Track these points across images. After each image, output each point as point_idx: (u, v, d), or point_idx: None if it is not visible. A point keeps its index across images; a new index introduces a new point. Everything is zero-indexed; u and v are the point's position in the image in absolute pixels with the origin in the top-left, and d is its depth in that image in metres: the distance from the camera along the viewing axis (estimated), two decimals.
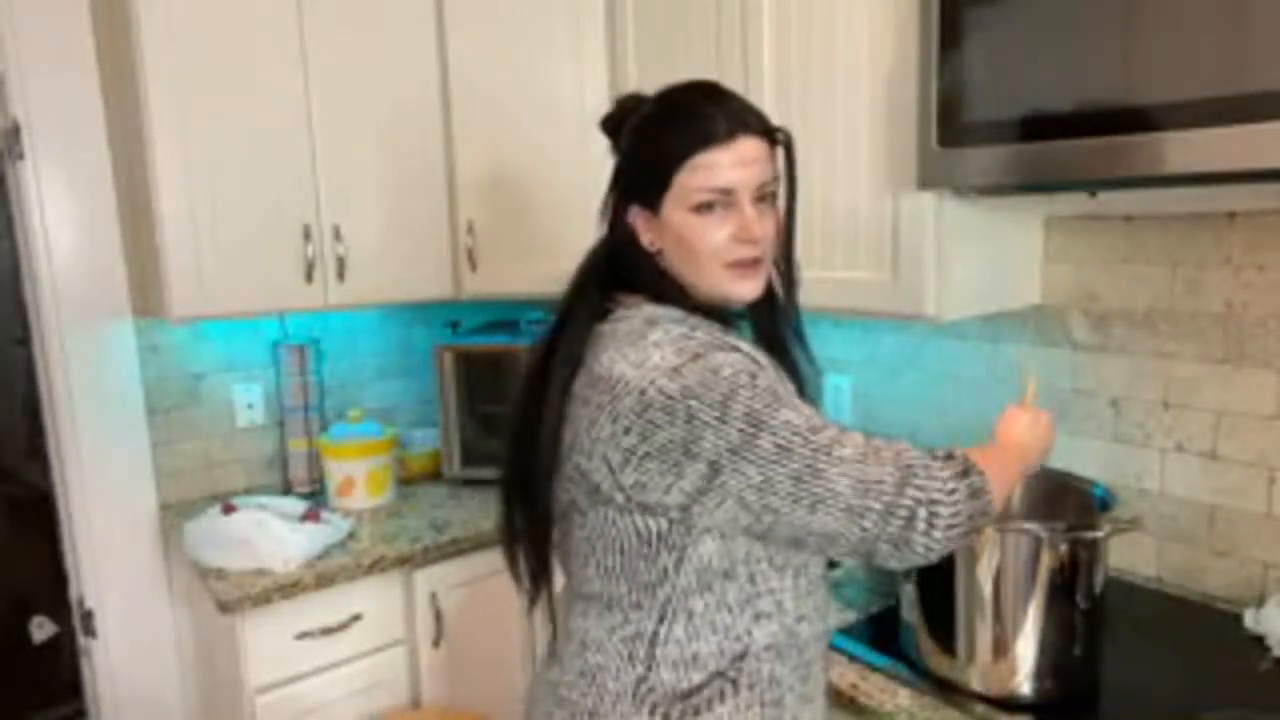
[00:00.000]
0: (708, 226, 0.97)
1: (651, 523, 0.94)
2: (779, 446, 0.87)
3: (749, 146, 0.97)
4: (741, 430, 0.87)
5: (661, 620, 0.96)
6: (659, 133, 0.99)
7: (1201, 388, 1.41)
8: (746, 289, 1.00)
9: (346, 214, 1.96)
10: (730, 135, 0.96)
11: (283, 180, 1.87)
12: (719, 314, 1.02)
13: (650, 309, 1.00)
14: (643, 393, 0.90)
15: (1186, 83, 1.00)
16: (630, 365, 0.92)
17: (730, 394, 0.88)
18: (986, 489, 0.91)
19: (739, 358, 0.92)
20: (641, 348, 0.94)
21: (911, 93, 1.32)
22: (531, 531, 1.06)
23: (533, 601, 1.09)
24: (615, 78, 1.94)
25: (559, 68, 1.99)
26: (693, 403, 0.88)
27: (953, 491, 0.88)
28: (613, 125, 1.05)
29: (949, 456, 0.92)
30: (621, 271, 1.03)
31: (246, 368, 2.19)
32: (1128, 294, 1.48)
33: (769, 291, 1.07)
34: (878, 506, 0.86)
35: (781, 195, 1.04)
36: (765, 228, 0.99)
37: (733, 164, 0.96)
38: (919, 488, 0.87)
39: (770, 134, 1.01)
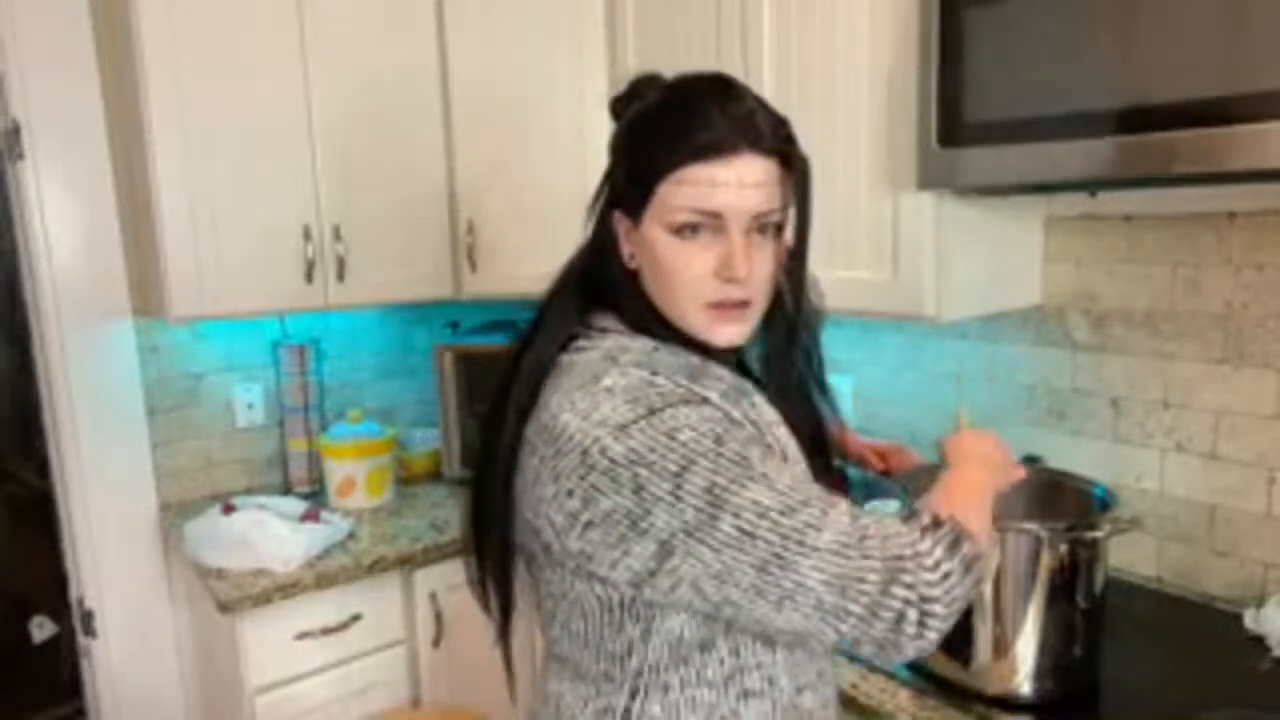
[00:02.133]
0: (687, 253, 0.82)
1: (612, 591, 0.81)
2: (742, 531, 0.73)
3: (752, 167, 0.80)
4: (699, 509, 0.74)
5: (634, 696, 0.84)
6: (652, 131, 0.84)
7: (1201, 388, 1.41)
8: (727, 335, 0.85)
9: (346, 214, 1.96)
10: (731, 149, 0.80)
11: (283, 180, 1.87)
12: (702, 346, 0.87)
13: (614, 340, 0.86)
14: (585, 453, 0.77)
15: (1186, 82, 1.00)
16: (577, 416, 0.79)
17: (687, 464, 0.74)
18: (979, 553, 0.79)
19: (706, 414, 0.78)
20: (591, 393, 0.80)
21: (911, 93, 1.32)
22: (495, 576, 0.97)
23: (501, 634, 1.01)
24: (615, 78, 1.93)
25: (559, 67, 1.99)
26: (641, 470, 0.75)
27: (946, 576, 0.75)
28: (619, 109, 0.92)
29: (935, 524, 0.78)
30: (598, 286, 0.90)
31: (246, 368, 2.19)
32: (1127, 294, 1.48)
33: (787, 329, 0.92)
34: (858, 609, 0.73)
35: (790, 228, 0.88)
36: (759, 265, 0.83)
37: (727, 184, 0.80)
38: (908, 585, 0.73)
39: (785, 154, 0.83)
